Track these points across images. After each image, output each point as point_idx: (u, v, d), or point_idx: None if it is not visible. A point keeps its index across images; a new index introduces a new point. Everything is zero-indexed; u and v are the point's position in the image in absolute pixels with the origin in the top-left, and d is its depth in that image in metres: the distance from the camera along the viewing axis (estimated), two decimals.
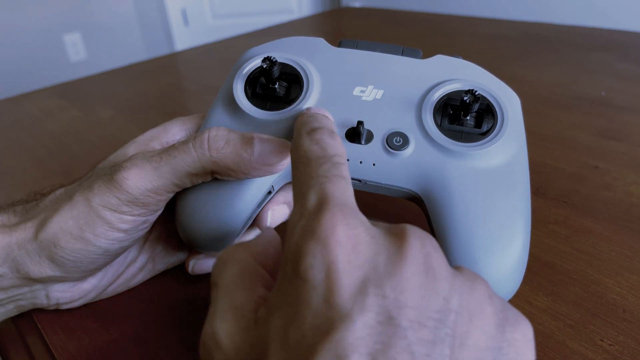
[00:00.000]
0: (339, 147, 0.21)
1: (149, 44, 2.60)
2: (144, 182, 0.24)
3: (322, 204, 0.17)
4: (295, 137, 0.22)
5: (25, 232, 0.24)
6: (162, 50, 2.60)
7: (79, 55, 2.37)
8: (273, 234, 0.22)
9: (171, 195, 0.25)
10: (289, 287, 0.16)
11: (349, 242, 0.15)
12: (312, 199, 0.17)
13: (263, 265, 0.20)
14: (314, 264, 0.15)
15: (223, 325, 0.17)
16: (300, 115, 0.24)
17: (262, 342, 0.15)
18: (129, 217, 0.24)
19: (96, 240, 0.24)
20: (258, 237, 0.21)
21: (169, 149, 0.24)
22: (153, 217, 0.26)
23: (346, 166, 0.19)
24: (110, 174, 0.24)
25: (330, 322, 0.14)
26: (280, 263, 0.20)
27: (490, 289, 0.17)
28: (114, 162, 0.27)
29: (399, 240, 0.16)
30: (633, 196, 0.36)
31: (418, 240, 0.16)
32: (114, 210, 0.24)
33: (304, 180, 0.19)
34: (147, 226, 0.26)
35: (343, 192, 0.18)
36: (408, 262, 0.15)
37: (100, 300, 0.29)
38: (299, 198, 0.18)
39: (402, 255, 0.16)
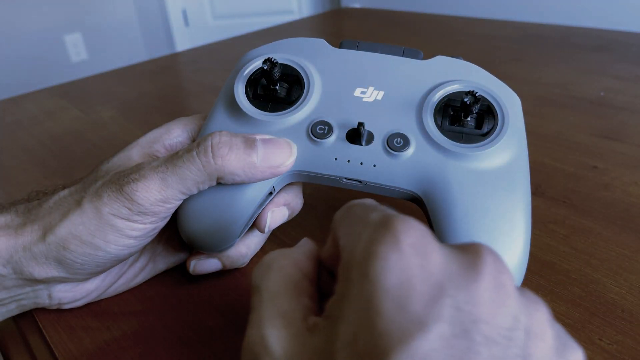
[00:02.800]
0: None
1: (149, 44, 2.60)
2: (153, 193, 0.24)
3: (388, 217, 0.16)
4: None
5: (31, 234, 0.24)
6: (162, 51, 2.60)
7: (79, 55, 2.37)
8: (312, 245, 0.21)
9: (179, 202, 0.25)
10: (356, 293, 0.15)
11: (423, 248, 0.15)
12: (375, 215, 0.17)
13: (305, 275, 0.19)
14: (387, 267, 0.14)
15: (272, 331, 0.17)
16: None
17: (325, 349, 0.15)
18: (140, 226, 0.25)
19: (106, 247, 0.24)
20: (299, 246, 0.21)
21: (174, 159, 0.24)
22: (162, 223, 0.26)
23: None
24: (120, 185, 0.24)
25: (404, 329, 0.13)
26: (316, 274, 0.20)
27: (550, 313, 0.16)
28: (118, 166, 0.27)
29: (472, 254, 0.16)
30: (632, 196, 0.36)
31: (491, 257, 0.16)
32: (125, 219, 0.24)
33: (361, 211, 0.18)
34: (156, 232, 0.26)
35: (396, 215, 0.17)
36: (483, 276, 0.15)
37: (101, 300, 0.29)
38: (357, 221, 0.18)
39: (477, 269, 0.15)
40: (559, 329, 0.16)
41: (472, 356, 0.13)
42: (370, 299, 0.14)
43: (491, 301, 0.14)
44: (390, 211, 0.18)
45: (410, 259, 0.14)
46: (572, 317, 0.26)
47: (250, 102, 0.27)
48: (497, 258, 0.16)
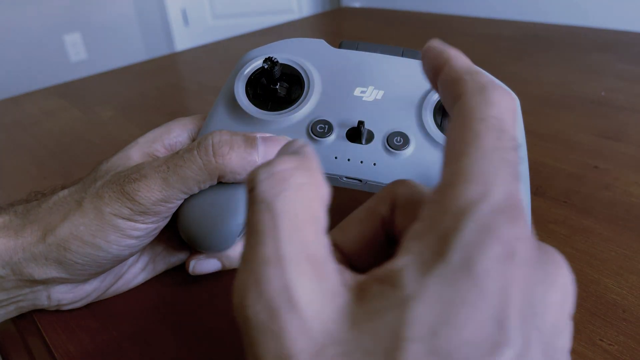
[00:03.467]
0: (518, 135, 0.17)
1: (149, 44, 2.60)
2: (154, 193, 0.24)
3: (513, 206, 0.14)
4: (480, 82, 0.16)
5: (31, 235, 0.24)
6: (162, 51, 2.60)
7: (79, 55, 2.37)
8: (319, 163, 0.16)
9: (181, 202, 0.25)
10: (451, 278, 0.12)
11: (528, 263, 0.13)
12: (500, 190, 0.14)
13: (325, 209, 0.15)
14: (493, 272, 0.13)
15: (301, 281, 0.13)
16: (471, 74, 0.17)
17: (387, 331, 0.12)
18: (141, 225, 0.24)
19: (108, 247, 0.24)
20: (310, 159, 0.16)
21: (175, 158, 0.24)
22: (164, 223, 0.26)
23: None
24: (121, 185, 0.24)
25: (494, 342, 0.12)
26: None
27: None
28: (118, 165, 0.27)
29: (556, 270, 0.15)
30: (633, 196, 0.36)
31: (569, 277, 0.15)
32: (126, 219, 0.24)
33: (491, 152, 0.14)
34: (157, 232, 0.26)
35: (523, 196, 0.15)
36: (556, 297, 0.15)
37: (101, 300, 0.29)
38: (481, 175, 0.14)
39: (555, 289, 0.15)
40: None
41: None
42: (467, 297, 0.12)
43: (555, 322, 0.15)
44: (519, 185, 0.14)
45: (517, 271, 0.13)
46: (573, 317, 0.26)
47: (250, 101, 0.27)
48: (571, 278, 0.16)
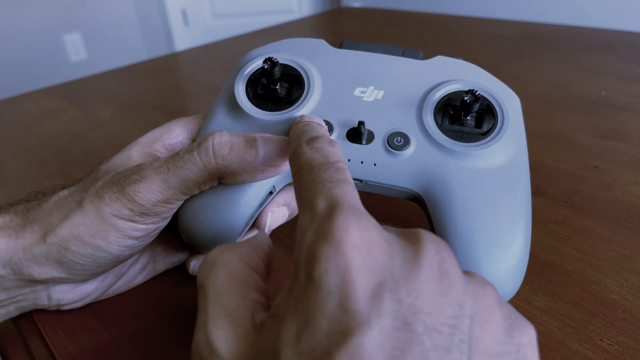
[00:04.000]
0: (339, 154, 0.20)
1: (149, 44, 2.59)
2: (154, 194, 0.24)
3: (333, 208, 0.16)
4: (294, 147, 0.21)
5: (32, 235, 0.24)
6: (162, 50, 2.60)
7: (79, 55, 2.37)
8: (264, 236, 0.21)
9: (181, 202, 0.25)
10: (302, 293, 0.15)
11: (364, 246, 0.15)
12: (321, 204, 0.17)
13: (253, 268, 0.19)
14: (329, 269, 0.15)
15: (218, 333, 0.16)
16: (295, 124, 0.24)
17: (270, 348, 0.15)
18: (142, 226, 0.24)
19: (108, 247, 0.24)
20: (247, 239, 0.21)
21: (175, 159, 0.24)
22: (164, 223, 0.26)
23: (349, 172, 0.19)
24: (121, 186, 0.24)
25: (346, 327, 0.14)
26: (268, 266, 0.20)
27: (499, 295, 0.17)
28: (118, 165, 0.27)
29: (413, 245, 0.16)
30: (633, 196, 0.36)
31: (433, 246, 0.16)
32: (127, 220, 0.24)
33: (310, 186, 0.18)
34: (158, 232, 0.26)
35: (352, 196, 0.17)
36: (423, 267, 0.15)
37: (101, 301, 0.29)
38: (307, 205, 0.18)
39: (418, 261, 0.15)
40: (508, 309, 0.17)
41: (415, 347, 0.14)
42: (314, 300, 0.15)
43: (433, 292, 0.15)
44: (339, 191, 0.17)
45: (351, 258, 0.15)
46: (573, 317, 0.26)
47: (250, 102, 0.27)
48: (439, 246, 0.16)
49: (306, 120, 0.24)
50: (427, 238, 0.16)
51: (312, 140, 0.21)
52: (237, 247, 0.20)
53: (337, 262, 0.15)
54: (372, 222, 0.16)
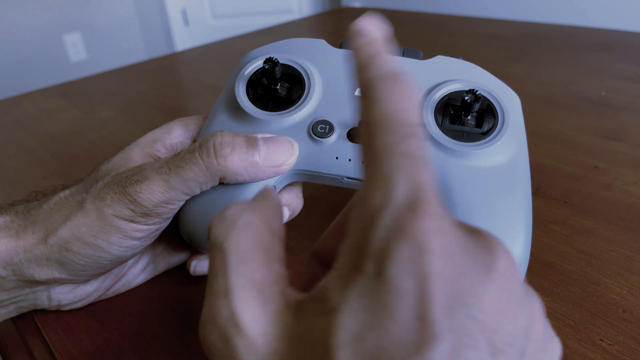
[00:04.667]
0: (417, 110, 0.16)
1: (149, 44, 2.60)
2: (156, 195, 0.24)
3: (417, 202, 0.14)
4: (365, 80, 0.16)
5: (33, 236, 0.24)
6: (162, 51, 2.60)
7: (79, 55, 2.37)
8: (277, 198, 0.18)
9: (182, 203, 0.25)
10: (369, 288, 0.14)
11: (445, 253, 0.14)
12: (401, 189, 0.14)
13: (275, 234, 0.17)
14: (405, 272, 0.13)
15: (246, 307, 0.14)
16: (361, 44, 0.17)
17: (318, 341, 0.13)
18: (143, 227, 0.24)
19: (109, 248, 0.24)
20: (263, 198, 0.18)
21: (177, 159, 0.24)
22: (166, 224, 0.26)
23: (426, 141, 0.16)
24: (122, 186, 0.24)
25: (420, 339, 0.13)
26: (283, 233, 0.18)
27: (543, 307, 0.16)
28: (119, 166, 0.27)
29: (488, 255, 0.15)
30: (633, 196, 0.36)
31: (507, 260, 0.15)
32: (128, 220, 0.24)
33: (386, 152, 0.15)
34: (159, 232, 0.26)
35: (433, 183, 0.15)
36: (495, 282, 0.14)
37: (101, 301, 0.29)
38: (380, 178, 0.14)
39: (491, 275, 0.14)
40: (546, 322, 0.16)
41: None
42: (385, 301, 0.13)
43: (500, 309, 0.14)
44: (423, 175, 0.14)
45: (431, 265, 0.13)
46: (573, 317, 0.26)
47: (251, 102, 0.27)
48: (510, 260, 0.15)
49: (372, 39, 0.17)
50: (502, 249, 0.15)
51: (393, 79, 0.16)
52: (259, 207, 0.17)
53: (417, 267, 0.13)
54: (451, 222, 0.15)
